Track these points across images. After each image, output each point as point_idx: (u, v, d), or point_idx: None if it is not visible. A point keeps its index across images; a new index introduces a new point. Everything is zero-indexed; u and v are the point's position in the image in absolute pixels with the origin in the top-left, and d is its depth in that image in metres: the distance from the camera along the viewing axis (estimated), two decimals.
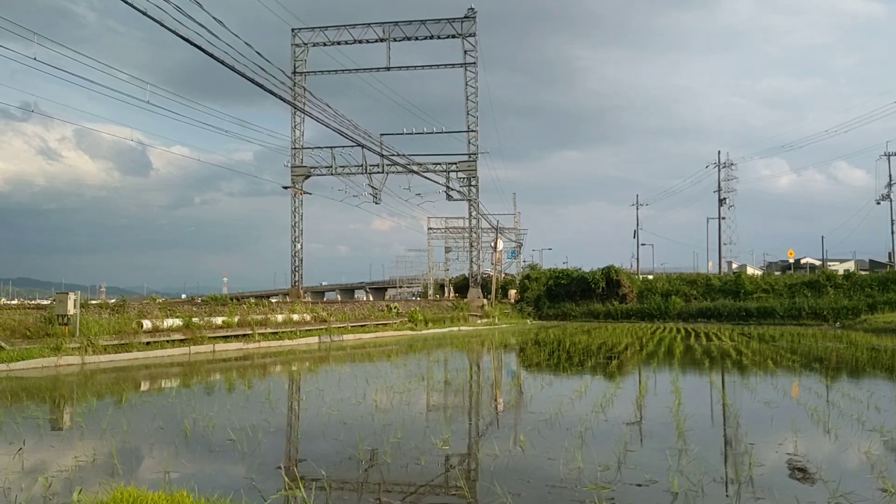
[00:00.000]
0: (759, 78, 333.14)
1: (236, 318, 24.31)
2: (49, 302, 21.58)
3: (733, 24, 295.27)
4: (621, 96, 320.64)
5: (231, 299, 29.70)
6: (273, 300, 46.50)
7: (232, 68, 17.88)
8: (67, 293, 18.65)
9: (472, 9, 45.46)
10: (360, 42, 46.68)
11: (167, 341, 20.44)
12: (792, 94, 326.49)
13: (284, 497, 5.77)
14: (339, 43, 47.03)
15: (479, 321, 44.10)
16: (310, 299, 47.14)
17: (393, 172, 45.65)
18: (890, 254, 63.00)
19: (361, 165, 45.10)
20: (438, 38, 46.00)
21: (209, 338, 21.91)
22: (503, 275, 74.37)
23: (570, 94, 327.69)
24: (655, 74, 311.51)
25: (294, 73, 45.53)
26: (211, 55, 16.85)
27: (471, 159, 46.19)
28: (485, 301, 50.58)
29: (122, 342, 19.03)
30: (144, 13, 14.54)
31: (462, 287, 66.12)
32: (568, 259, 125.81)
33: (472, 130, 46.15)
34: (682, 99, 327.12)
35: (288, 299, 41.89)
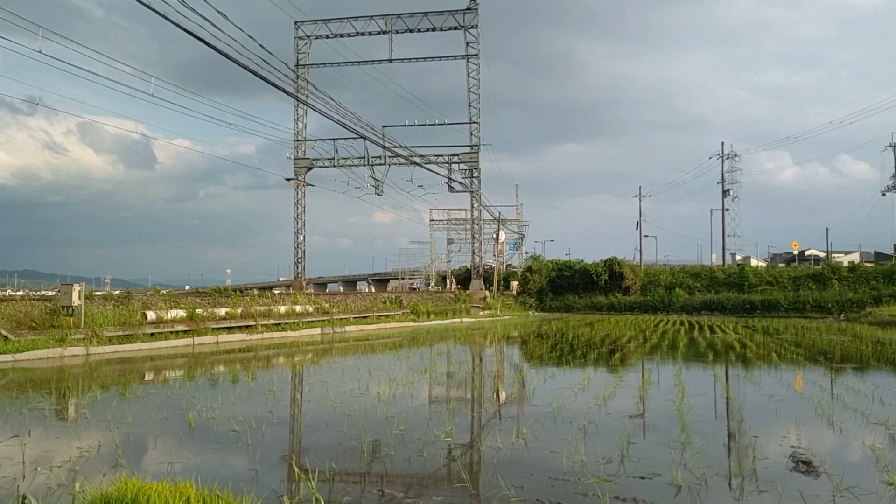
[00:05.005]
0: (759, 71, 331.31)
1: (239, 310, 24.37)
2: (54, 293, 21.63)
3: (732, 18, 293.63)
4: (621, 89, 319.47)
5: (234, 291, 29.73)
6: (276, 292, 46.60)
7: (235, 61, 17.83)
8: (72, 285, 18.70)
9: (475, 0, 45.20)
10: (363, 34, 46.45)
11: (171, 332, 20.50)
12: (793, 87, 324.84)
13: (288, 488, 5.78)
14: (341, 35, 46.82)
15: (481, 313, 44.12)
16: (312, 291, 47.21)
17: (395, 164, 45.56)
18: (895, 245, 62.80)
19: (364, 157, 45.00)
20: (441, 30, 45.77)
21: (213, 329, 21.97)
22: (505, 266, 74.34)
23: (570, 87, 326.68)
24: (655, 68, 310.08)
25: (297, 65, 45.36)
26: (215, 48, 16.79)
27: (473, 151, 46.06)
28: (487, 293, 50.55)
29: (127, 333, 19.09)
30: (148, 6, 14.48)
31: (464, 279, 66.11)
32: (570, 251, 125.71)
33: (475, 122, 45.99)
34: (682, 92, 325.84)
35: (291, 291, 41.95)
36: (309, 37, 47.23)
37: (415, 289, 71.78)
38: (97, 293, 25.70)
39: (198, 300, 24.92)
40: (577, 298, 54.75)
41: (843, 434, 7.87)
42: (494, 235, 64.15)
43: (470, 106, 46.03)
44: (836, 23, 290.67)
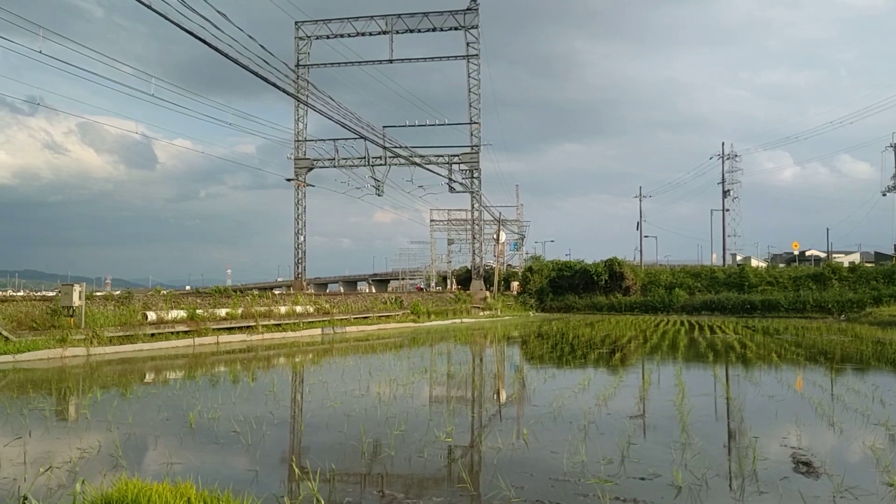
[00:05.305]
0: (759, 71, 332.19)
1: (240, 310, 24.37)
2: (55, 294, 21.65)
3: (732, 17, 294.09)
4: (621, 89, 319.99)
5: (235, 291, 29.73)
6: (276, 292, 46.59)
7: (236, 61, 17.85)
8: (73, 285, 18.70)
9: (475, 0, 45.21)
10: (363, 35, 46.48)
11: (172, 333, 20.51)
12: (793, 86, 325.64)
13: (289, 489, 5.79)
14: (341, 36, 46.84)
15: (481, 313, 44.11)
16: (313, 291, 47.20)
17: (395, 165, 45.59)
18: (895, 245, 62.77)
19: (364, 158, 45.03)
20: (441, 30, 45.78)
21: (213, 329, 21.97)
22: (506, 267, 74.35)
23: (571, 87, 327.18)
24: (655, 67, 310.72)
25: (297, 65, 45.39)
26: (215, 48, 16.82)
27: (473, 151, 46.08)
28: (487, 293, 50.56)
29: (128, 334, 19.09)
30: (149, 6, 14.51)
31: (465, 279, 66.12)
32: (570, 251, 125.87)
33: (475, 122, 46.00)
34: (682, 92, 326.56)
35: (291, 291, 41.95)
36: (309, 37, 47.24)
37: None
38: (98, 293, 25.71)
39: (198, 300, 24.93)
40: (578, 299, 54.76)
41: (844, 435, 7.87)
42: (495, 236, 64.18)
43: (470, 106, 46.06)
44: (837, 22, 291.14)
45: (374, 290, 79.67)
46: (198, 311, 22.48)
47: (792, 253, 72.18)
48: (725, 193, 64.23)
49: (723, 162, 64.38)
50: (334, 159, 46.05)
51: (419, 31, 45.73)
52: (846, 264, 55.15)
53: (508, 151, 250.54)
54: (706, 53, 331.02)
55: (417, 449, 7.11)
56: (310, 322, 27.06)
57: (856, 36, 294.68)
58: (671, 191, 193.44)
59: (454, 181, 46.33)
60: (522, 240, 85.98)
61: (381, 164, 45.37)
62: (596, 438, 7.58)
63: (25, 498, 5.15)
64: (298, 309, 27.97)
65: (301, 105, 44.03)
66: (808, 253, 74.59)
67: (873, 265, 57.72)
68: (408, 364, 15.79)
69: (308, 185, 47.85)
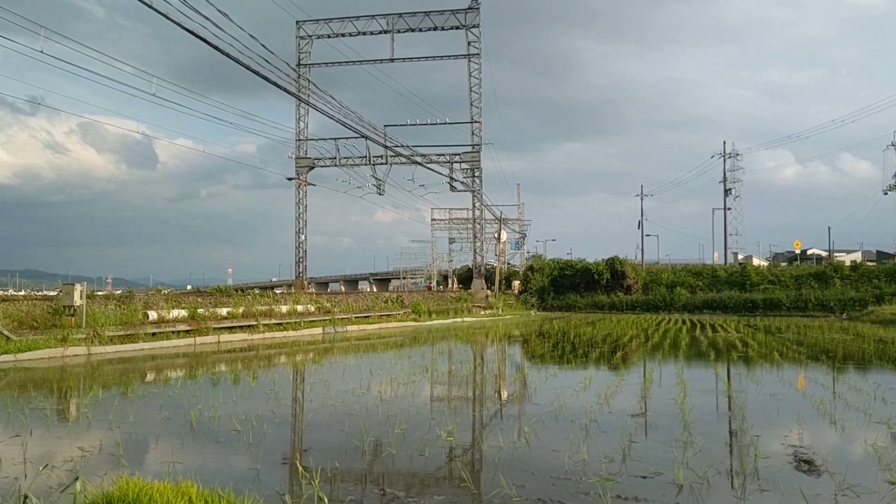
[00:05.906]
0: (760, 70, 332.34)
1: (241, 310, 24.37)
2: (56, 293, 21.67)
3: (732, 17, 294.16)
4: (622, 89, 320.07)
5: (236, 290, 29.75)
6: (277, 291, 46.62)
7: (237, 61, 17.86)
8: (74, 284, 18.71)
9: (476, 0, 45.16)
10: (364, 34, 46.46)
11: (173, 332, 20.52)
12: (794, 85, 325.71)
13: (290, 488, 5.78)
14: (343, 35, 46.82)
15: (482, 312, 44.11)
16: (314, 290, 47.23)
17: (396, 164, 45.55)
18: None
19: (365, 157, 45.01)
20: (442, 29, 45.75)
21: (214, 329, 21.98)
22: (507, 266, 74.36)
23: (571, 86, 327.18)
24: (656, 67, 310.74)
25: (299, 65, 45.38)
26: (216, 48, 16.82)
27: (474, 150, 46.04)
28: (488, 292, 50.55)
29: (128, 333, 19.10)
30: (150, 6, 14.51)
31: (466, 278, 66.10)
32: (572, 250, 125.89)
33: (476, 121, 45.95)
34: (683, 91, 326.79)
35: (293, 290, 41.95)
36: (310, 36, 47.22)
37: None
38: (99, 293, 25.73)
39: (199, 300, 24.93)
40: (579, 297, 54.72)
41: (846, 433, 7.85)
42: (496, 235, 64.13)
43: (471, 105, 46.01)
44: (837, 22, 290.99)
45: (375, 290, 79.64)
46: (199, 311, 22.49)
47: (793, 252, 72.07)
48: (727, 192, 64.19)
49: (724, 161, 64.39)
50: (335, 158, 46.03)
51: (420, 30, 45.71)
52: (848, 263, 55.07)
53: (509, 150, 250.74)
54: (707, 52, 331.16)
55: (419, 448, 7.10)
56: (311, 321, 27.06)
57: (856, 35, 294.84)
58: (672, 190, 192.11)
59: (455, 180, 46.32)
60: (524, 239, 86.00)
61: (382, 164, 45.34)
62: (597, 437, 7.57)
63: (26, 497, 5.15)
64: (300, 308, 27.97)
65: (302, 104, 44.02)
66: (809, 251, 74.52)
67: (875, 264, 57.62)
68: (409, 363, 15.79)
69: (309, 184, 47.86)
